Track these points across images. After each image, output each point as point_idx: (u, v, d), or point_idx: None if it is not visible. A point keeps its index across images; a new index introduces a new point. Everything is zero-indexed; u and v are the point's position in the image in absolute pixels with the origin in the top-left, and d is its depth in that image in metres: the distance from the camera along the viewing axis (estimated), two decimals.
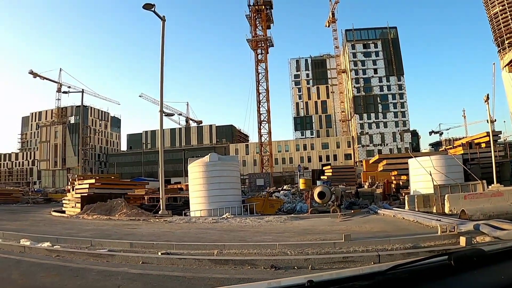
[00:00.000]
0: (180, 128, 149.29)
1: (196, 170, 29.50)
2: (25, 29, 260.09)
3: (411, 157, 29.82)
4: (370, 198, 33.74)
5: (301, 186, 45.24)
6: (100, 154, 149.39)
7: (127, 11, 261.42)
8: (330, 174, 51.46)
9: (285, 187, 45.77)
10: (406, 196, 25.65)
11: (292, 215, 25.19)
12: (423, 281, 2.44)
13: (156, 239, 15.63)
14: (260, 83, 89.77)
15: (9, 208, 45.69)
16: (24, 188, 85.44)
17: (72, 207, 33.40)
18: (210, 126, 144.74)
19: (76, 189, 34.23)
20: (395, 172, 36.04)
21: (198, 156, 33.79)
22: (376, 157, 40.97)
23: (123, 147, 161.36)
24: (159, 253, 12.24)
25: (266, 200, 30.77)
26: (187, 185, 54.02)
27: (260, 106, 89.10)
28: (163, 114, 31.44)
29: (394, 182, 36.22)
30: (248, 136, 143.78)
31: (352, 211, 25.42)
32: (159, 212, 28.04)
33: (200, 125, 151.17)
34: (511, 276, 2.42)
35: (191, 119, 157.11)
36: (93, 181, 33.94)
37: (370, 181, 42.49)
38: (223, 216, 25.24)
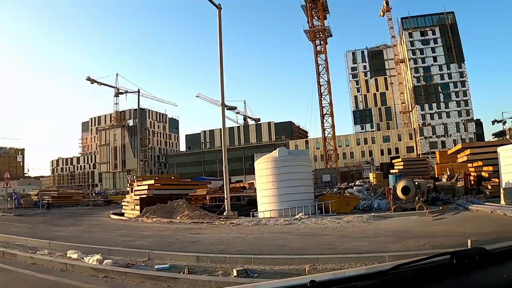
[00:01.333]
0: (238, 127, 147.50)
1: (264, 166, 26.80)
2: (82, 37, 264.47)
3: (500, 145, 25.95)
4: (450, 192, 30.67)
5: (373, 181, 41.83)
6: (159, 155, 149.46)
7: (180, 12, 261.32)
8: (401, 167, 47.79)
9: (357, 182, 42.27)
10: (502, 189, 22.13)
11: (372, 213, 22.40)
12: (426, 280, 2.34)
13: (226, 248, 13.10)
14: (321, 75, 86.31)
15: (69, 211, 44.91)
16: (85, 190, 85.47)
17: (131, 209, 31.75)
18: (269, 123, 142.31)
19: (134, 190, 32.36)
20: (480, 163, 32.12)
21: (265, 152, 30.89)
22: (459, 146, 36.95)
23: (182, 147, 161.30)
24: (235, 271, 9.37)
25: (341, 198, 27.73)
26: (250, 183, 51.61)
27: (322, 99, 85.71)
28: (225, 108, 28.82)
29: (474, 174, 32.65)
30: (307, 132, 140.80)
31: (441, 208, 22.28)
32: (224, 213, 25.77)
33: (258, 122, 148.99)
34: None
35: (249, 117, 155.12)
36: (152, 182, 31.86)
37: (448, 173, 38.77)
38: (296, 216, 22.50)
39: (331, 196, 28.85)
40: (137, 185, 32.66)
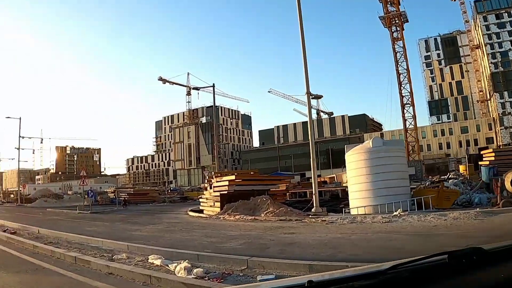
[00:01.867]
0: (312, 121, 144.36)
1: (355, 158, 24.17)
2: (154, 37, 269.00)
3: None
4: None
5: (465, 173, 38.27)
6: (233, 151, 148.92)
7: (248, 7, 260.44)
8: (492, 158, 43.76)
9: (450, 175, 38.91)
10: None
11: (477, 209, 19.25)
12: (423, 280, 2.30)
13: (335, 253, 10.88)
14: (399, 63, 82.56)
15: (146, 208, 44.28)
16: (161, 187, 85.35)
17: (210, 206, 30.12)
18: (342, 116, 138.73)
19: (214, 186, 30.62)
20: None
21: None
22: None
23: (255, 143, 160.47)
24: None
25: (440, 191, 24.74)
26: (331, 177, 49.05)
27: (402, 88, 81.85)
28: (310, 97, 26.39)
29: None
30: (381, 125, 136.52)
31: None
32: (312, 210, 23.29)
33: (332, 116, 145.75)
34: (510, 275, 2.29)
35: (322, 111, 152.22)
36: (233, 177, 29.90)
37: None
38: (395, 213, 19.74)
39: (429, 190, 25.88)
40: (216, 181, 30.87)
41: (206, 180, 36.94)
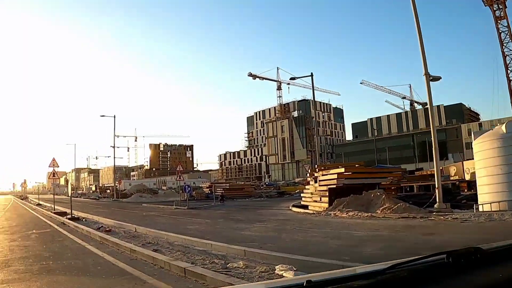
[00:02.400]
0: (406, 112, 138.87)
1: (485, 146, 20.64)
2: (242, 34, 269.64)
3: None
4: None
5: None
6: (325, 145, 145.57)
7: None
8: None
9: None
10: None
11: None
12: (422, 280, 2.29)
13: None
14: (504, 44, 75.97)
15: (243, 203, 42.74)
16: (255, 182, 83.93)
17: (316, 201, 27.79)
18: (438, 106, 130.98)
19: (320, 180, 27.98)
20: None
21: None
22: None
23: (348, 136, 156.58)
24: None
25: None
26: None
27: (509, 71, 75.39)
28: (429, 78, 23.19)
29: None
30: (478, 115, 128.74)
31: None
32: (435, 206, 20.55)
33: (426, 107, 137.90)
34: (509, 275, 2.30)
35: (416, 102, 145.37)
36: (342, 170, 27.20)
37: None
38: None
39: None
40: (322, 175, 28.29)
41: (308, 174, 34.40)
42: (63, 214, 28.26)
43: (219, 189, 54.82)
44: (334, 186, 26.14)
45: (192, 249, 11.55)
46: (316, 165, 35.47)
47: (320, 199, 27.05)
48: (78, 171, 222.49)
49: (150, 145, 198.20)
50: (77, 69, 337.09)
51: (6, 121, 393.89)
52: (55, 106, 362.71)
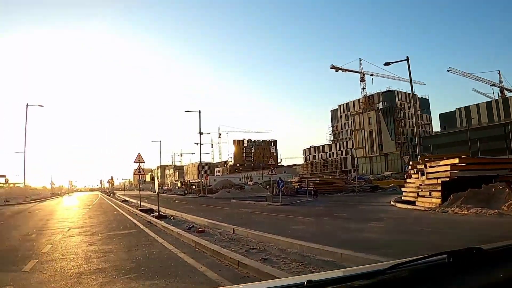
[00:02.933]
0: (496, 100, 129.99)
1: None
2: (322, 26, 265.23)
3: None
4: None
5: None
6: (412, 137, 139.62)
7: None
8: None
9: None
10: None
11: None
12: (423, 279, 2.31)
13: None
14: None
15: (338, 198, 40.81)
16: (342, 176, 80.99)
17: (423, 196, 25.04)
18: None
19: (428, 173, 25.14)
20: None
21: None
22: None
23: (435, 128, 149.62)
24: None
25: None
26: None
27: None
28: None
29: None
30: None
31: None
32: None
33: None
34: (509, 275, 2.31)
35: (506, 89, 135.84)
36: (456, 160, 24.05)
37: None
38: None
39: None
40: (430, 166, 25.32)
41: (409, 167, 31.40)
42: (149, 211, 26.89)
43: (310, 183, 52.61)
44: (447, 179, 23.18)
45: (313, 259, 9.09)
46: (419, 157, 32.28)
47: (430, 194, 24.36)
48: (163, 168, 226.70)
49: (234, 141, 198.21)
50: (163, 66, 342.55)
51: (94, 119, 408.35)
52: (141, 104, 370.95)
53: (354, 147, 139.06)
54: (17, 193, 70.33)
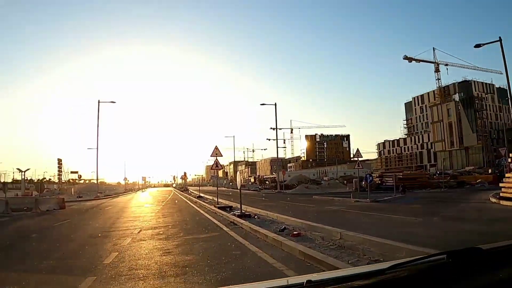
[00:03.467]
0: None
1: None
2: (396, 16, 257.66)
3: None
4: None
5: None
6: (491, 130, 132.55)
7: None
8: None
9: None
10: None
11: None
12: (422, 280, 2.30)
13: None
14: None
15: (426, 194, 38.89)
16: (421, 171, 77.23)
17: None
18: None
19: None
20: None
21: None
22: None
23: None
24: None
25: None
26: None
27: None
28: None
29: None
30: None
31: None
32: None
33: None
34: (508, 275, 2.27)
35: None
36: None
37: None
38: None
39: None
40: None
41: (509, 159, 28.49)
42: (228, 208, 25.06)
43: (389, 179, 49.86)
44: None
45: None
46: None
47: None
48: (235, 163, 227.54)
49: (306, 136, 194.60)
50: (236, 62, 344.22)
51: (167, 115, 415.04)
52: (213, 100, 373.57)
53: (432, 140, 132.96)
54: (92, 189, 70.75)
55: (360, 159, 36.58)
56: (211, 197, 42.37)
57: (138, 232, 16.37)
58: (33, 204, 30.43)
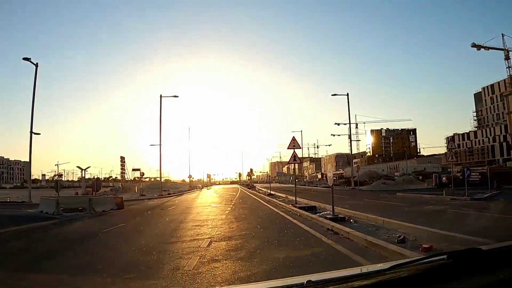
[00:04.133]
0: None
1: None
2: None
3: None
4: None
5: None
6: None
7: None
8: None
9: None
10: None
11: None
12: (422, 280, 2.26)
13: None
14: None
15: None
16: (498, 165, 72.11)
17: None
18: None
19: None
20: None
21: None
22: None
23: None
24: None
25: None
26: None
27: None
28: None
29: None
30: None
31: None
32: None
33: None
34: (509, 275, 2.24)
35: None
36: None
37: None
38: None
39: None
40: None
41: None
42: (311, 209, 21.87)
43: (475, 174, 45.94)
44: None
45: None
46: None
47: None
48: (300, 159, 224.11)
49: (372, 131, 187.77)
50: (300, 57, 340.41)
51: (231, 111, 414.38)
52: (275, 97, 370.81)
53: (509, 132, 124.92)
54: (156, 187, 69.06)
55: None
56: (283, 195, 39.66)
57: (208, 246, 12.37)
58: (87, 204, 28.02)
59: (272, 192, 47.42)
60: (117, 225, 19.93)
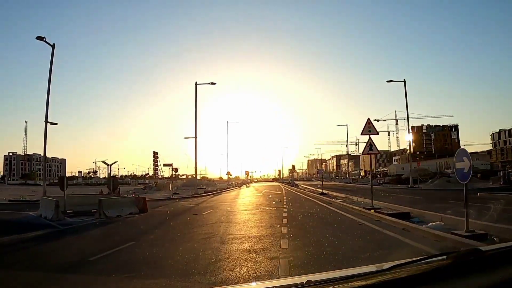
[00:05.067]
0: None
1: None
2: None
3: None
4: None
5: None
6: None
7: None
8: None
9: None
10: None
11: None
12: (422, 280, 2.20)
13: None
14: None
15: None
16: None
17: None
18: None
19: None
20: None
21: None
22: None
23: None
24: None
25: None
26: None
27: None
28: None
29: None
30: None
31: None
32: None
33: None
34: (508, 276, 2.20)
35: None
36: None
37: None
38: None
39: None
40: None
41: None
42: (404, 217, 16.55)
43: None
44: None
45: None
46: None
47: None
48: (338, 158, 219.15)
49: (412, 127, 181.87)
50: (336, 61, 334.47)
51: (269, 106, 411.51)
52: (312, 94, 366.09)
53: None
54: (191, 185, 63.79)
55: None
56: (341, 195, 35.41)
57: None
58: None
59: (324, 191, 42.36)
60: (125, 244, 13.05)
